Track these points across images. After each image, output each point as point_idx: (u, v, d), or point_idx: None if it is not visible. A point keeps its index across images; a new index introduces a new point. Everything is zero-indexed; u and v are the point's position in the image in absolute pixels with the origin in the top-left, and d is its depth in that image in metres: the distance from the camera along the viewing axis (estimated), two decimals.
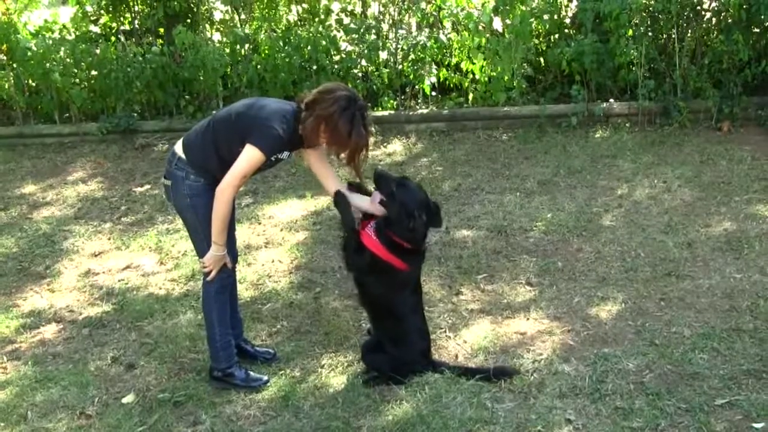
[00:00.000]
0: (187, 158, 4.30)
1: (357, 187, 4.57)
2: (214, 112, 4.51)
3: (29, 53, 9.73)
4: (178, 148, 4.36)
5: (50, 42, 9.90)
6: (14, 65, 10.05)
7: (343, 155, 4.29)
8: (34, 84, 10.24)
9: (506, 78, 9.36)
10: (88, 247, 6.82)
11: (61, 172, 8.97)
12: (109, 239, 6.98)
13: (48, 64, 9.72)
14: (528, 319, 5.17)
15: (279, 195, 7.78)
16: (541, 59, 9.93)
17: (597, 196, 7.16)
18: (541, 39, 10.03)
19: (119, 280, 6.15)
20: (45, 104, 10.09)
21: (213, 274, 4.42)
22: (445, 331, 5.07)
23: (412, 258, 4.46)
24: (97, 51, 9.90)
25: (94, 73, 9.99)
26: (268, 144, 4.14)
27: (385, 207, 4.42)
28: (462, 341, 4.95)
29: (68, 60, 9.87)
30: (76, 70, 9.92)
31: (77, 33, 10.65)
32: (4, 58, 10.16)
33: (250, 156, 4.11)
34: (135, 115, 9.95)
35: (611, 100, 9.31)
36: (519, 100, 9.48)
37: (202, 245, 4.42)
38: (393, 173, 4.65)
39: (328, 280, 5.92)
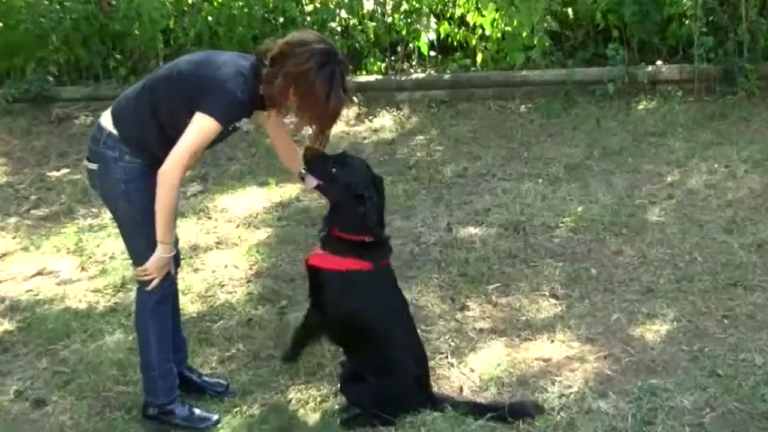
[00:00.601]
0: (120, 133, 4.22)
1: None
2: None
3: None
4: (106, 120, 4.28)
5: None
6: None
7: (314, 125, 4.26)
8: None
9: (524, 34, 9.35)
10: None
11: None
12: (14, 238, 6.92)
13: None
14: (553, 341, 5.13)
15: (234, 182, 7.74)
16: (569, 10, 9.92)
17: (640, 185, 7.15)
18: None
19: (27, 291, 6.08)
20: None
21: (155, 282, 4.33)
22: (446, 357, 5.02)
23: (373, 253, 4.44)
24: None
25: None
26: (225, 110, 4.07)
27: (324, 194, 4.47)
28: (468, 370, 4.90)
29: None
30: None
31: None
32: None
33: (202, 126, 4.02)
34: (50, 78, 9.94)
35: (658, 63, 9.32)
36: (541, 62, 9.48)
37: (137, 245, 4.34)
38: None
39: (296, 291, 5.85)
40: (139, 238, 4.31)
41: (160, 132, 4.18)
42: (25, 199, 7.64)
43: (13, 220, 7.25)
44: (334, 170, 4.38)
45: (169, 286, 4.44)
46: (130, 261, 4.53)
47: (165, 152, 4.09)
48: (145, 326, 4.47)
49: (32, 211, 7.37)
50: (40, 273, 6.32)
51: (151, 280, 4.31)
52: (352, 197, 4.32)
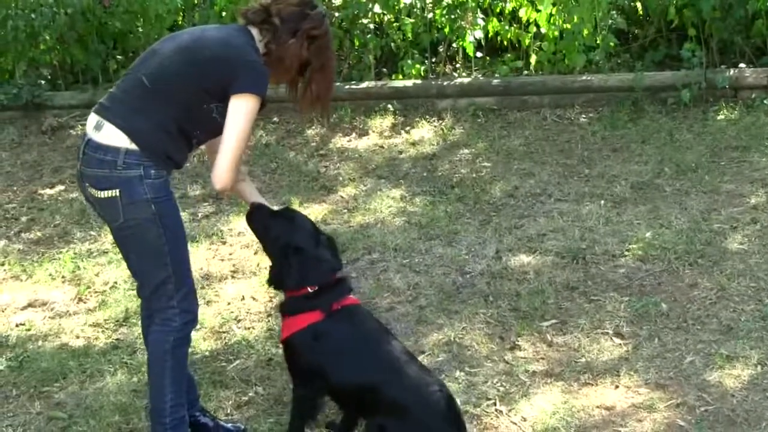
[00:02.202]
0: (143, 147, 4.22)
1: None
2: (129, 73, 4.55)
3: None
4: (116, 138, 4.23)
5: None
6: None
7: (319, 92, 4.52)
8: None
9: (586, 32, 9.38)
10: None
11: None
12: (2, 264, 7.00)
13: None
14: (617, 386, 5.16)
15: None
16: (638, 4, 9.94)
17: (720, 207, 7.15)
18: None
19: (17, 325, 6.15)
20: None
21: None
22: (494, 403, 5.06)
23: (324, 299, 4.57)
24: None
25: None
26: (262, 82, 4.26)
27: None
28: (520, 418, 4.94)
29: None
30: None
31: None
32: None
33: (248, 108, 4.20)
34: (42, 82, 10.05)
35: (742, 65, 9.33)
36: (605, 65, 9.50)
37: (161, 272, 4.37)
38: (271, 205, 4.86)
39: None
40: (160, 269, 4.36)
41: (185, 140, 4.30)
42: (15, 221, 7.72)
43: (1, 244, 7.33)
44: (270, 223, 4.62)
45: (192, 321, 4.50)
46: (137, 292, 4.62)
47: (187, 157, 4.32)
48: (161, 369, 4.48)
49: (23, 234, 7.45)
50: (32, 305, 6.39)
51: None
52: (282, 250, 4.55)
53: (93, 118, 4.33)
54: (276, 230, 4.60)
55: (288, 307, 4.61)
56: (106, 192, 4.25)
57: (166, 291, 4.38)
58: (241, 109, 4.17)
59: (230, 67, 4.20)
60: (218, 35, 4.38)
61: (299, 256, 4.51)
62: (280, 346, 5.64)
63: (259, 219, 4.68)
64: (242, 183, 4.72)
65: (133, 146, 4.21)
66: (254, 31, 4.37)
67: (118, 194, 4.23)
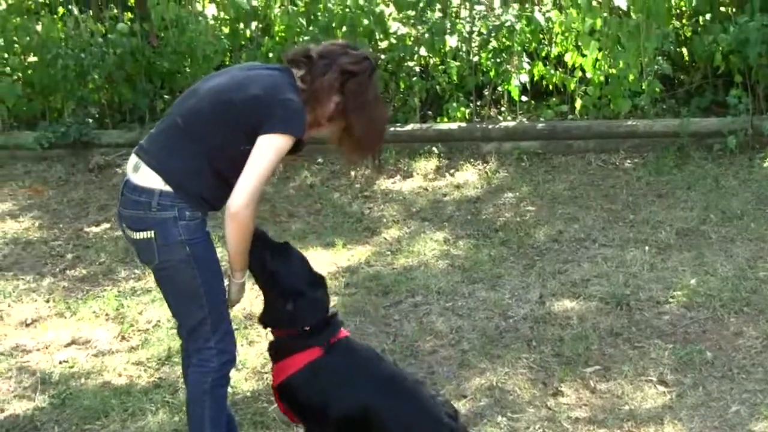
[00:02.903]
0: (177, 188, 4.23)
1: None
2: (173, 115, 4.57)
3: None
4: (150, 180, 4.25)
5: None
6: None
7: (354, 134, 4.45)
8: None
9: (632, 78, 9.38)
10: (17, 312, 6.89)
11: None
12: (47, 301, 7.03)
13: None
14: None
15: (296, 242, 7.70)
16: (684, 50, 9.93)
17: (766, 255, 7.12)
18: (684, 21, 10.05)
19: (61, 362, 6.17)
20: None
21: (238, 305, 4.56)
22: None
23: (319, 336, 4.56)
24: (38, 28, 10.09)
25: (32, 59, 10.18)
26: (298, 122, 4.22)
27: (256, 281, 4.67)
28: None
29: None
30: (6, 55, 10.11)
31: (10, 1, 10.85)
32: None
33: (276, 146, 4.15)
34: (90, 121, 10.14)
35: None
36: (650, 111, 9.49)
37: (197, 313, 4.37)
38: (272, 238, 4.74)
39: None
40: (197, 311, 4.36)
41: (219, 180, 4.24)
42: (60, 258, 7.75)
43: (46, 281, 7.35)
44: (267, 259, 4.52)
45: (229, 362, 4.47)
46: (176, 330, 4.64)
47: (221, 202, 4.22)
48: (200, 410, 4.47)
49: (68, 272, 7.48)
50: (75, 342, 6.41)
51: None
52: (281, 291, 4.51)
53: (132, 159, 4.35)
54: (273, 268, 4.52)
55: (281, 349, 4.56)
56: (141, 233, 4.27)
57: (203, 332, 4.38)
58: (266, 145, 4.13)
59: (263, 107, 4.18)
60: (253, 75, 4.37)
61: (299, 299, 4.48)
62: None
63: (256, 252, 4.50)
64: None
65: (167, 188, 4.21)
66: (294, 70, 4.37)
67: (153, 236, 4.24)
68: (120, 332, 6.49)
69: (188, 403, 4.57)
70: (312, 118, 4.35)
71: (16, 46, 10.14)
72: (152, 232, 4.24)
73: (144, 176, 4.24)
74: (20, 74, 10.17)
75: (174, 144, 4.30)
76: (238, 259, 4.32)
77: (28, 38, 10.10)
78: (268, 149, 4.12)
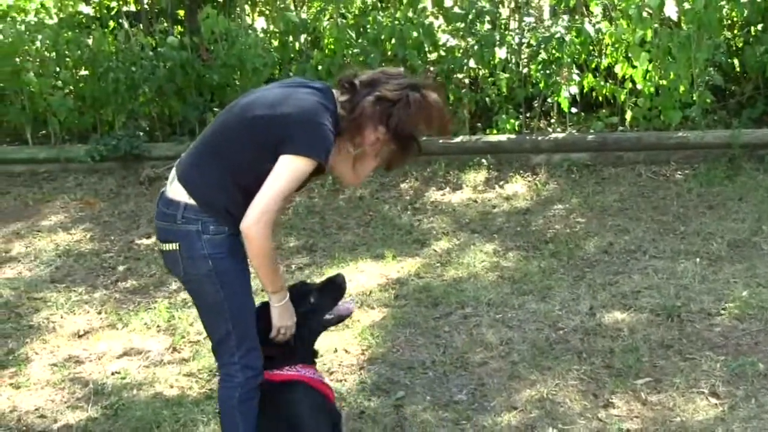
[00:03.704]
0: (201, 202, 4.25)
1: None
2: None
3: None
4: (177, 192, 4.30)
5: (23, 28, 10.23)
6: None
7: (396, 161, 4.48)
8: None
9: (683, 89, 9.36)
10: (69, 323, 6.97)
11: (33, 214, 9.25)
12: (99, 313, 7.12)
13: (19, 59, 10.05)
14: None
15: (346, 254, 7.87)
16: (736, 61, 9.90)
17: None
18: (736, 31, 10.01)
19: (113, 373, 6.24)
20: (13, 116, 10.41)
21: (288, 334, 4.45)
22: None
23: None
24: (89, 41, 10.20)
25: (84, 72, 10.29)
26: (321, 147, 4.17)
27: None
28: None
29: (48, 54, 10.18)
30: (58, 69, 10.23)
31: (61, 16, 10.99)
32: None
33: (294, 167, 4.12)
34: (141, 134, 10.26)
35: None
36: (701, 122, 9.45)
37: (221, 327, 4.40)
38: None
39: (415, 380, 5.94)
40: (222, 324, 4.37)
41: (245, 198, 4.19)
42: (112, 270, 7.85)
43: (98, 293, 7.45)
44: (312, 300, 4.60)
45: (254, 377, 4.44)
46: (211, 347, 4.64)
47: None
48: (231, 424, 4.48)
49: (120, 284, 7.57)
50: (127, 353, 6.48)
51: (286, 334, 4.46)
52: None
53: (172, 173, 4.39)
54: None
55: None
56: (168, 245, 4.32)
57: (228, 347, 4.39)
58: (285, 165, 4.10)
59: (290, 127, 4.14)
60: (290, 93, 4.31)
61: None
62: (372, 399, 5.72)
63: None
64: None
65: (191, 201, 4.24)
66: (336, 93, 4.34)
67: (177, 248, 4.28)
68: (171, 344, 6.56)
69: (221, 417, 4.60)
70: (351, 145, 4.39)
71: (68, 59, 10.26)
72: (177, 244, 4.27)
73: (174, 189, 4.29)
74: (72, 88, 10.29)
75: (201, 158, 4.32)
76: (265, 281, 4.30)
77: (79, 52, 10.21)
78: (286, 169, 4.10)
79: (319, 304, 4.59)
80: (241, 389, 4.41)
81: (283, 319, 4.40)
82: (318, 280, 7.23)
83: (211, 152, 4.31)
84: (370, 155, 4.48)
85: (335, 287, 4.68)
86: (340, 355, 6.28)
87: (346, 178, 4.72)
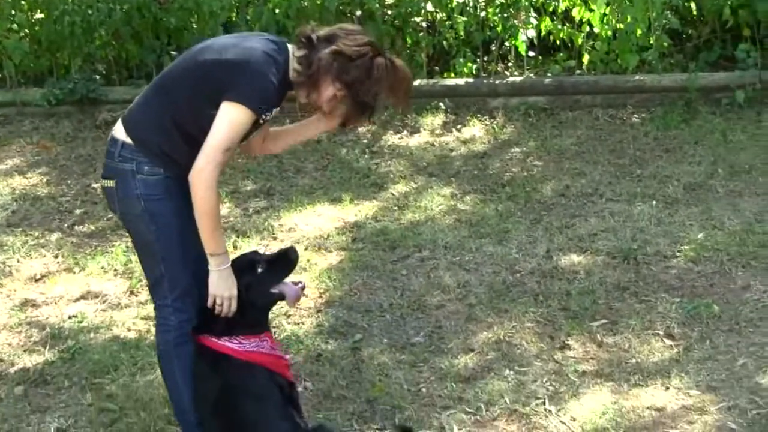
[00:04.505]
0: (136, 141, 4.21)
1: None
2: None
3: None
4: (118, 130, 4.28)
5: None
6: None
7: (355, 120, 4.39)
8: None
9: (639, 32, 9.33)
10: (26, 267, 6.93)
11: None
12: (56, 257, 7.07)
13: None
14: (667, 388, 5.12)
15: (303, 198, 7.83)
16: (692, 5, 9.88)
17: None
18: None
19: (70, 317, 6.20)
20: None
21: (227, 305, 4.31)
22: (543, 403, 5.05)
23: None
24: None
25: (39, 16, 10.18)
26: (258, 97, 4.11)
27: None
28: (569, 418, 4.91)
29: None
30: (13, 12, 10.11)
31: None
32: None
33: (233, 115, 4.06)
34: (97, 77, 10.15)
35: None
36: (658, 66, 9.45)
37: (155, 269, 4.37)
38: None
39: (372, 323, 5.94)
40: (155, 266, 4.34)
41: (183, 138, 4.18)
42: (68, 214, 7.77)
43: (55, 236, 7.39)
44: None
45: (186, 321, 4.39)
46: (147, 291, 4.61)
47: (190, 159, 4.10)
48: (170, 368, 4.47)
49: (76, 227, 7.51)
50: (84, 297, 6.44)
51: (222, 306, 4.30)
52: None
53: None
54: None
55: None
56: (106, 181, 4.30)
57: (162, 288, 4.37)
58: (223, 115, 4.05)
59: (230, 73, 4.10)
60: (240, 42, 4.26)
61: None
62: (329, 342, 5.70)
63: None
64: (269, 140, 4.67)
65: (128, 140, 4.21)
66: (292, 48, 4.25)
67: (114, 185, 4.25)
68: (128, 287, 6.52)
69: (158, 359, 4.58)
70: (307, 101, 4.30)
71: (23, 2, 10.15)
72: (114, 181, 4.25)
73: (117, 127, 4.29)
74: (27, 31, 10.18)
75: (146, 98, 4.31)
76: (204, 238, 4.18)
77: None
78: (226, 120, 4.04)
79: (265, 275, 4.45)
80: (174, 332, 4.40)
81: (218, 287, 4.26)
82: (275, 224, 7.26)
83: (157, 92, 4.29)
84: (328, 114, 4.38)
85: (286, 261, 4.55)
86: None
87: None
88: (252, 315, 4.38)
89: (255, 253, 4.62)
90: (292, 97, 4.38)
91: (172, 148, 4.19)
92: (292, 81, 4.23)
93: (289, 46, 4.28)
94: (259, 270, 4.42)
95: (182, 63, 4.30)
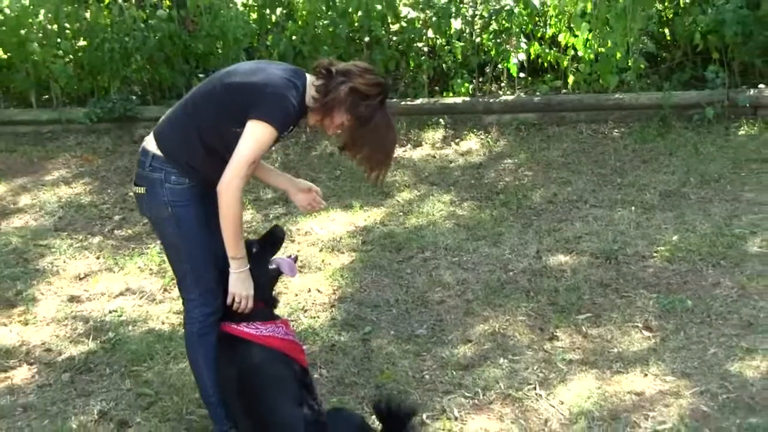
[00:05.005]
0: (165, 154, 4.26)
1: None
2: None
3: (0, 17, 9.95)
4: (150, 143, 4.33)
5: (27, 2, 10.09)
6: None
7: (364, 157, 4.34)
8: (5, 56, 10.48)
9: (619, 55, 9.33)
10: (72, 267, 6.93)
11: (38, 169, 9.14)
12: (98, 258, 7.07)
13: (23, 31, 9.92)
14: (646, 375, 5.11)
15: None
16: (666, 30, 9.88)
17: (741, 214, 7.08)
18: (666, 4, 9.98)
19: (111, 311, 6.22)
20: (19, 83, 10.31)
21: (245, 303, 4.36)
22: (534, 388, 5.04)
23: None
24: (87, 15, 10.09)
25: (82, 43, 10.18)
26: (282, 117, 4.14)
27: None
28: (557, 402, 4.91)
29: (50, 26, 10.06)
30: (59, 40, 10.11)
31: None
32: None
33: (258, 133, 4.08)
34: (134, 98, 10.11)
35: (761, 86, 9.21)
36: (636, 85, 9.43)
37: (181, 267, 4.43)
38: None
39: (380, 317, 5.94)
40: (181, 264, 4.40)
41: (208, 154, 4.22)
42: (108, 219, 7.78)
43: (96, 239, 7.40)
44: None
45: (210, 314, 4.44)
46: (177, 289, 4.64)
47: (214, 171, 4.14)
48: (195, 356, 4.52)
49: (116, 231, 7.52)
50: (123, 294, 6.46)
51: (240, 304, 4.36)
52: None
53: None
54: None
55: None
56: (138, 188, 4.37)
57: (187, 284, 4.44)
58: (250, 132, 4.08)
59: (255, 93, 4.12)
60: (263, 67, 4.31)
61: None
62: (342, 333, 5.69)
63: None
64: (260, 169, 4.65)
65: (159, 152, 4.26)
66: (311, 77, 4.27)
67: (144, 192, 4.32)
68: (163, 285, 6.53)
69: (186, 348, 4.61)
70: (317, 124, 4.34)
71: (68, 31, 10.14)
72: (144, 188, 4.32)
73: (149, 139, 4.35)
74: (71, 56, 10.17)
75: (175, 115, 4.36)
76: (227, 243, 4.23)
77: (78, 24, 10.11)
78: (252, 138, 4.07)
79: (260, 253, 4.52)
80: (199, 324, 4.45)
81: (237, 287, 4.33)
82: (293, 228, 7.26)
83: (185, 110, 4.32)
84: (328, 133, 4.42)
85: (275, 238, 4.66)
86: (313, 295, 6.27)
87: None
88: (259, 294, 4.42)
89: (247, 240, 4.61)
90: None
91: (196, 161, 4.25)
92: (307, 106, 4.25)
93: (307, 75, 4.30)
94: (254, 250, 4.48)
95: (208, 85, 4.33)
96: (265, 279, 4.51)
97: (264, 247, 4.57)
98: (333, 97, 4.17)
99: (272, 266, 4.57)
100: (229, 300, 4.34)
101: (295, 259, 4.68)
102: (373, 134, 4.24)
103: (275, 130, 4.09)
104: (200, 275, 4.39)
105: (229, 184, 4.08)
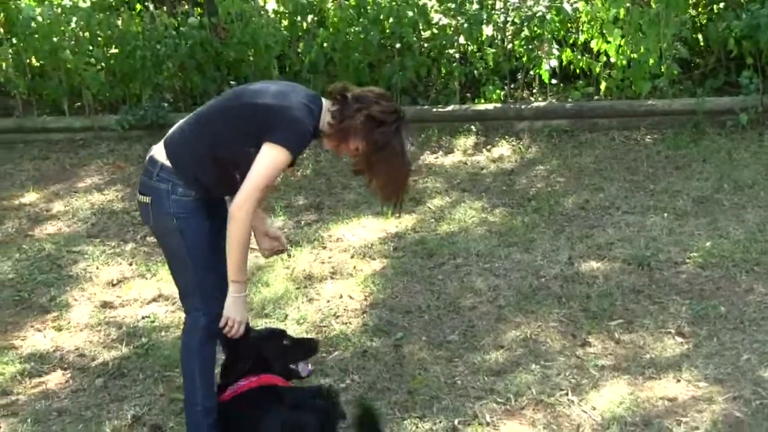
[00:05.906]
0: (174, 165, 4.29)
1: None
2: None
3: (33, 25, 10.07)
4: (159, 152, 4.34)
5: (59, 11, 10.21)
6: (14, 40, 10.41)
7: (379, 183, 4.38)
8: (38, 64, 10.60)
9: (652, 61, 9.30)
10: (105, 273, 7.01)
11: (70, 176, 9.25)
12: (131, 264, 7.15)
13: (56, 39, 10.03)
14: (678, 380, 5.13)
15: (350, 211, 7.86)
16: (700, 36, 9.86)
17: None
18: (700, 9, 9.97)
19: (143, 317, 6.29)
20: (51, 90, 10.41)
21: (236, 329, 4.38)
22: (566, 394, 5.06)
23: None
24: (119, 23, 10.18)
25: (114, 50, 10.28)
26: (297, 141, 4.19)
27: None
28: (590, 407, 4.93)
29: (82, 34, 10.16)
30: (91, 47, 10.21)
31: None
32: (1, 31, 10.53)
33: (274, 158, 4.13)
34: (165, 105, 10.19)
35: None
36: (668, 91, 9.41)
37: (185, 280, 4.46)
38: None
39: (412, 323, 5.97)
40: (184, 275, 4.43)
41: (217, 169, 4.26)
42: (140, 226, 7.77)
43: (129, 246, 7.48)
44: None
45: (214, 322, 4.42)
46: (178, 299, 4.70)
47: (218, 187, 4.23)
48: (190, 364, 4.53)
49: (148, 238, 7.54)
50: (156, 300, 6.53)
51: (232, 327, 4.40)
52: None
53: None
54: None
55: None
56: (143, 197, 4.37)
57: (191, 295, 4.47)
58: (265, 156, 4.11)
59: (271, 117, 4.16)
60: (282, 90, 4.34)
61: None
62: (374, 339, 5.73)
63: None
64: (256, 220, 4.60)
65: (167, 163, 4.28)
66: (326, 102, 4.32)
67: (149, 201, 4.33)
68: None
69: (181, 358, 4.64)
70: (332, 149, 4.39)
71: (100, 39, 10.23)
72: (150, 198, 4.33)
73: (157, 149, 4.37)
74: (103, 64, 10.26)
75: (189, 126, 4.38)
76: (230, 266, 4.26)
77: (109, 32, 10.19)
78: (266, 161, 4.11)
79: (289, 349, 4.70)
80: (203, 332, 4.47)
81: (232, 311, 4.35)
82: (325, 234, 7.29)
83: (198, 123, 4.35)
84: (338, 154, 4.49)
85: (308, 347, 4.84)
86: (345, 301, 6.31)
87: None
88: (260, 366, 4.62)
89: (282, 330, 4.84)
90: None
91: (204, 176, 4.28)
92: (321, 130, 4.29)
93: (323, 100, 4.34)
94: (285, 343, 4.67)
95: (224, 101, 4.38)
96: (279, 370, 4.65)
97: (294, 348, 4.72)
98: (349, 124, 4.21)
99: (292, 366, 4.70)
100: (221, 322, 4.37)
101: (312, 371, 4.89)
102: (389, 159, 4.25)
103: (290, 154, 4.15)
104: (204, 285, 4.41)
105: (241, 207, 4.12)
